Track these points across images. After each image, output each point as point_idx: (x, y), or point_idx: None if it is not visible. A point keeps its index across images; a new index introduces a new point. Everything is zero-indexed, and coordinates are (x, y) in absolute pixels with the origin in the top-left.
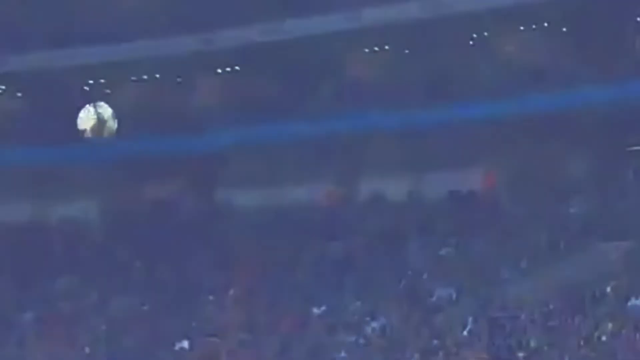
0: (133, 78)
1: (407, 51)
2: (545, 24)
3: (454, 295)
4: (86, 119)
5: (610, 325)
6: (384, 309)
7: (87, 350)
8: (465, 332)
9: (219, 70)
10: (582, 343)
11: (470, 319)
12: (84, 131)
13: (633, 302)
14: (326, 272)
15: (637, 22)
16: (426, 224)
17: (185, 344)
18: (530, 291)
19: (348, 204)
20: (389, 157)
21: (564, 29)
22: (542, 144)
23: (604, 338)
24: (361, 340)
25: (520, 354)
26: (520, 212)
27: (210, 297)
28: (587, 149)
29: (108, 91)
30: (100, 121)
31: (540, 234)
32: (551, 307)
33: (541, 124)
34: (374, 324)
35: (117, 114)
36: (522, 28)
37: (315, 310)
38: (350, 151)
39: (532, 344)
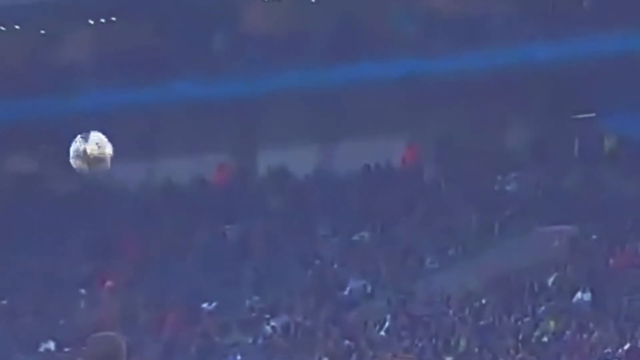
0: None
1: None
2: None
3: (370, 288)
4: (77, 152)
5: (552, 323)
6: (286, 305)
7: None
8: (382, 332)
9: (91, 21)
10: (519, 345)
11: (388, 316)
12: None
13: (579, 296)
14: (218, 261)
15: None
16: (337, 204)
17: (52, 344)
18: (459, 283)
19: (244, 179)
20: (292, 124)
21: None
22: (473, 110)
23: (545, 339)
24: (260, 341)
25: (448, 358)
26: (448, 189)
27: (82, 291)
28: (526, 117)
29: None
30: (94, 156)
31: (471, 215)
32: (483, 301)
33: (473, 86)
34: (275, 322)
35: None
36: None
37: (206, 306)
38: (246, 117)
39: (462, 344)
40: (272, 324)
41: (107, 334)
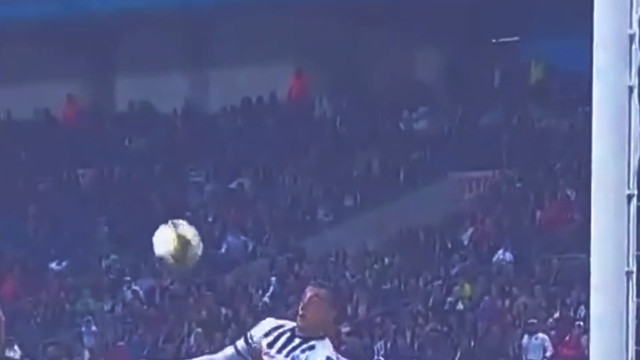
0: None
1: None
2: None
3: (250, 246)
4: (165, 241)
5: (467, 287)
6: (151, 266)
7: None
8: (266, 297)
9: None
10: (429, 313)
11: (273, 279)
12: (160, 258)
13: (500, 256)
14: (68, 212)
15: None
16: (211, 145)
17: None
18: (357, 240)
19: (99, 115)
20: (156, 50)
21: None
22: (375, 33)
23: (459, 306)
24: (119, 309)
25: (344, 328)
26: (344, 128)
27: None
28: (437, 41)
29: None
30: (182, 244)
31: (372, 159)
32: (386, 262)
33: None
34: (137, 287)
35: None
36: None
37: (54, 266)
38: (101, 40)
39: (361, 313)
40: (134, 288)
41: None
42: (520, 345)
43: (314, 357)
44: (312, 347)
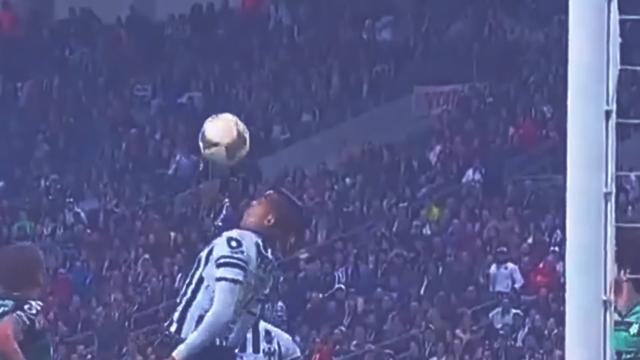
0: None
1: None
2: None
3: (201, 165)
4: (226, 128)
5: (435, 211)
6: (94, 186)
7: None
8: (218, 221)
9: None
10: (394, 237)
11: (226, 200)
12: (214, 144)
13: (469, 176)
14: (5, 128)
15: None
16: (158, 57)
17: None
18: (316, 159)
19: (37, 24)
20: None
21: None
22: None
23: (426, 230)
24: (60, 232)
25: (302, 254)
26: (302, 38)
27: None
28: None
29: None
30: (241, 139)
31: (332, 71)
32: (348, 182)
33: None
34: (79, 209)
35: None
36: None
37: None
38: None
39: (320, 237)
40: (76, 210)
41: (19, 244)
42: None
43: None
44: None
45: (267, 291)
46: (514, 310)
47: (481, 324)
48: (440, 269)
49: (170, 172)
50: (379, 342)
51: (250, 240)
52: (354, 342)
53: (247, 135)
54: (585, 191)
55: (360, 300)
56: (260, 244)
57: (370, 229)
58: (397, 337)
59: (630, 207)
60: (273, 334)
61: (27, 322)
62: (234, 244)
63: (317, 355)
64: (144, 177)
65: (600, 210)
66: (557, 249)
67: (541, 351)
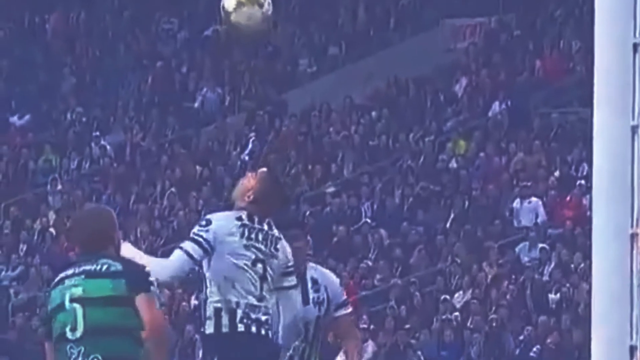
0: None
1: None
2: None
3: (228, 99)
4: None
5: (462, 144)
6: (120, 119)
7: None
8: (245, 155)
9: None
10: (420, 171)
11: (252, 135)
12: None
13: (496, 109)
14: (30, 59)
15: None
16: None
17: None
18: (342, 92)
19: None
20: None
21: None
22: None
23: (452, 163)
24: (86, 166)
25: (328, 188)
26: None
27: None
28: None
29: None
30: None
31: (358, 4)
32: (374, 116)
33: None
34: (105, 142)
35: None
36: None
37: (15, 120)
38: None
39: (346, 171)
40: (102, 144)
41: (95, 207)
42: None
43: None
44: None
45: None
46: (540, 245)
47: (507, 258)
48: (467, 203)
49: (196, 105)
50: (404, 276)
51: (227, 218)
52: (380, 276)
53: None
54: (612, 124)
55: (386, 234)
56: (244, 217)
57: (396, 163)
58: (423, 271)
59: None
60: (320, 280)
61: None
62: (203, 222)
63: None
64: (170, 111)
65: (627, 143)
66: (583, 182)
67: (567, 285)
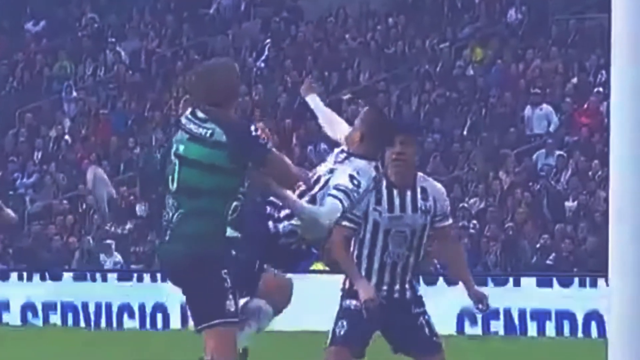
0: None
1: None
2: None
3: (243, 5)
4: None
5: (478, 51)
6: (135, 26)
7: None
8: (260, 62)
9: None
10: (437, 78)
11: (268, 42)
12: None
13: (512, 15)
14: None
15: None
16: None
17: None
18: (352, 4)
19: None
20: None
21: None
22: None
23: (469, 71)
24: (100, 73)
25: (345, 95)
26: None
27: None
28: None
29: None
30: None
31: None
32: (390, 22)
33: None
34: (120, 48)
35: None
36: None
37: (30, 27)
38: None
39: (362, 79)
40: (117, 50)
41: (219, 60)
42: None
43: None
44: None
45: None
46: (557, 152)
47: (524, 165)
48: (484, 110)
49: (211, 11)
50: None
51: (369, 177)
52: None
53: None
54: (631, 30)
55: None
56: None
57: (412, 70)
58: (440, 178)
59: None
60: (429, 190)
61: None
62: (355, 182)
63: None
64: (185, 17)
65: None
66: (601, 89)
67: (584, 192)
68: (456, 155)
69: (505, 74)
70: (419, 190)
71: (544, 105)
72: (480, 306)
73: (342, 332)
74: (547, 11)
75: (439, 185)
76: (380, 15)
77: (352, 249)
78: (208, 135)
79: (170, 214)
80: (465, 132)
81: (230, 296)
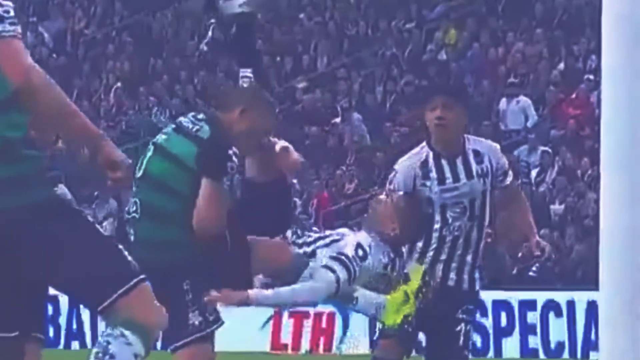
0: None
1: None
2: None
3: None
4: None
5: (452, 33)
6: (60, 4)
7: None
8: (203, 45)
9: None
10: (404, 63)
11: (213, 22)
12: None
13: None
14: None
15: None
16: None
17: None
18: None
19: None
20: None
21: None
22: None
23: (442, 55)
24: None
25: (300, 83)
26: None
27: None
28: None
29: None
30: None
31: None
32: (352, 0)
33: None
34: (42, 29)
35: None
36: None
37: None
38: None
39: (320, 64)
40: (40, 31)
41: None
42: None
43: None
44: None
45: None
46: (541, 148)
47: None
48: None
49: None
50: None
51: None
52: (356, 183)
53: None
54: (625, 9)
55: (366, 136)
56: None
57: (377, 54)
58: None
59: None
60: (481, 150)
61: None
62: (360, 253)
63: (315, 201)
64: None
65: None
66: (592, 76)
67: (572, 194)
68: None
69: (482, 59)
70: (471, 154)
71: (522, 98)
72: (539, 254)
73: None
74: None
75: (492, 143)
76: None
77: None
78: (195, 130)
79: (132, 210)
80: None
81: (195, 309)
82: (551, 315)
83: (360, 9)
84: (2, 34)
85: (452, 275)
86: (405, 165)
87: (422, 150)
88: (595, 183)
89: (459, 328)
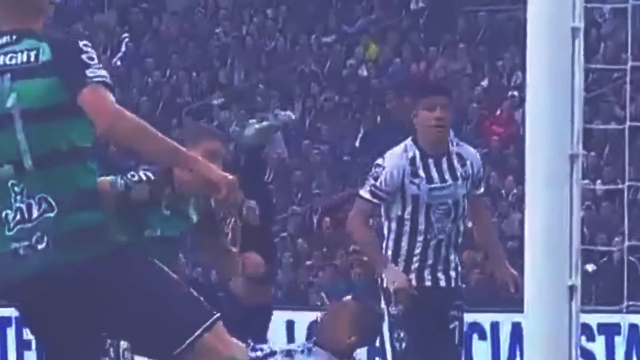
0: None
1: None
2: None
3: None
4: None
5: (373, 47)
6: None
7: None
8: (117, 60)
9: None
10: (324, 79)
11: (126, 37)
12: None
13: (414, 5)
14: None
15: None
16: None
17: None
18: None
19: None
20: None
21: None
22: None
23: (363, 71)
24: None
25: (216, 100)
26: None
27: None
28: None
29: None
30: None
31: None
32: (269, 14)
33: None
34: None
35: None
36: None
37: None
38: None
39: (237, 79)
40: None
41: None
42: None
43: None
44: None
45: None
46: None
47: None
48: (379, 118)
49: (58, 0)
50: (305, 204)
51: None
52: (274, 201)
53: None
54: (549, 25)
55: (284, 154)
56: None
57: (296, 69)
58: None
59: (602, 44)
60: (464, 154)
61: None
62: None
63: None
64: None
65: (567, 46)
66: (516, 93)
67: (496, 214)
68: (347, 169)
69: (404, 74)
70: (454, 156)
71: None
72: (511, 290)
73: (403, 346)
74: (454, 2)
75: (472, 149)
76: (257, 6)
77: (387, 230)
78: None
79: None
80: (357, 143)
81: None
82: (474, 337)
83: (277, 22)
84: (86, 80)
85: (440, 275)
86: (394, 161)
87: (409, 148)
88: (519, 203)
89: (452, 326)
